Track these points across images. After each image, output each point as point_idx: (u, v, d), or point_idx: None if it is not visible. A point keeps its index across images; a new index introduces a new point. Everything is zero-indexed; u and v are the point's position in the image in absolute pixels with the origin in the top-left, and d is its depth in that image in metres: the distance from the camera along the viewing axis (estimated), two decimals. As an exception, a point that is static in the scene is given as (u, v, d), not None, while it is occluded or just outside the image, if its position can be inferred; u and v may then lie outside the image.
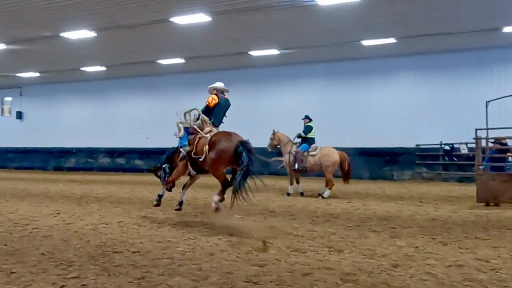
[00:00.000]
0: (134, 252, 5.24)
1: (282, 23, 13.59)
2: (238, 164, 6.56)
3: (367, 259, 4.93)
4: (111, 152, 23.20)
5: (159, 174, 8.23)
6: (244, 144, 6.61)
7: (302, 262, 4.78)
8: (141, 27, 13.74)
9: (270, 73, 19.62)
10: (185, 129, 7.52)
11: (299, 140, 11.74)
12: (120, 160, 22.95)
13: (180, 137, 7.52)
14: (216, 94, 7.73)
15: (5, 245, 5.58)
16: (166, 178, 7.91)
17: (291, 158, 11.46)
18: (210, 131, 7.35)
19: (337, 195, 11.53)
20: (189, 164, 7.39)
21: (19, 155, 25.76)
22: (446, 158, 15.80)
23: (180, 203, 8.03)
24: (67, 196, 11.44)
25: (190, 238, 6.05)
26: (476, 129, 9.80)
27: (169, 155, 8.06)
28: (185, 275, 4.29)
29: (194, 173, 7.54)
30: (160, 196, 7.89)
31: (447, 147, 15.76)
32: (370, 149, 17.41)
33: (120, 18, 13.02)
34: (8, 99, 26.79)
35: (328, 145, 11.62)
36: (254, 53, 17.33)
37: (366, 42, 15.40)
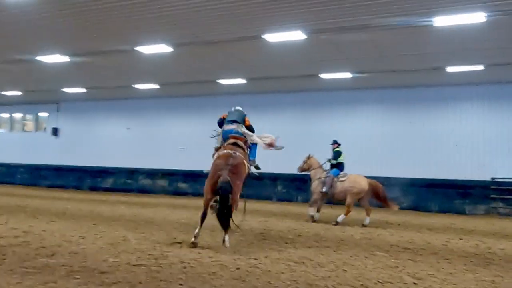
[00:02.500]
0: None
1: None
2: None
3: None
4: (152, 174, 22.28)
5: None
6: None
7: None
8: (231, 43, 13.06)
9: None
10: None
11: (329, 165, 11.95)
12: (162, 182, 22.02)
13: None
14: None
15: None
16: None
17: (321, 184, 11.53)
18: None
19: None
20: None
21: (52, 172, 24.87)
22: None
23: None
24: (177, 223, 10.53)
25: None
26: None
27: None
28: None
29: None
30: None
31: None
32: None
33: (201, 33, 12.34)
34: (43, 114, 26.09)
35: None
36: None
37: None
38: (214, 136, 8.51)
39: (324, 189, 11.41)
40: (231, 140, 7.81)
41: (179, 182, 21.63)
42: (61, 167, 24.56)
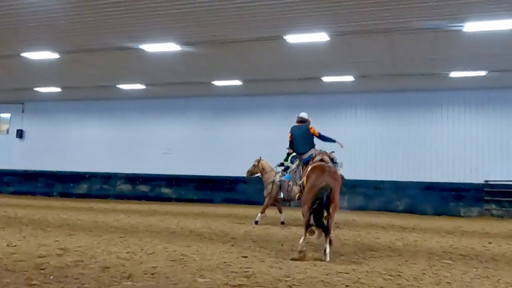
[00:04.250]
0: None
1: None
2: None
3: None
4: (132, 178, 21.15)
5: None
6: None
7: None
8: (226, 44, 12.51)
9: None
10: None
11: (281, 169, 11.89)
12: (143, 188, 20.94)
13: None
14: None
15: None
16: None
17: (275, 187, 11.52)
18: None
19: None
20: None
21: (17, 178, 23.01)
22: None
23: None
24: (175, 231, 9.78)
25: None
26: None
27: None
28: None
29: None
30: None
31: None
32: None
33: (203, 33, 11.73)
34: (5, 115, 24.12)
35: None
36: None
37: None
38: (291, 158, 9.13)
39: (281, 195, 11.51)
40: (318, 157, 7.77)
41: (162, 187, 20.69)
42: (27, 172, 22.79)
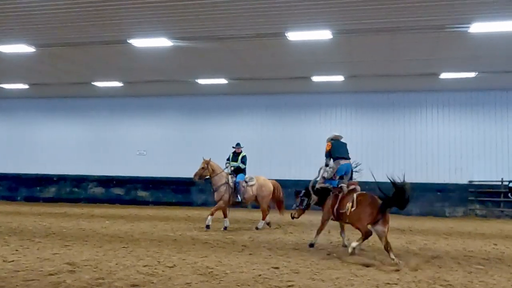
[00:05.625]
0: None
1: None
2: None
3: None
4: (105, 181, 20.04)
5: (298, 200, 8.81)
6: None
7: None
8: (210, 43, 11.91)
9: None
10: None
11: (229, 170, 11.23)
12: (118, 191, 19.88)
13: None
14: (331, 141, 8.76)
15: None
16: (298, 208, 8.80)
17: (228, 190, 10.81)
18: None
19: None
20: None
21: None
22: (510, 195, 15.66)
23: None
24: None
25: None
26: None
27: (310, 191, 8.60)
28: None
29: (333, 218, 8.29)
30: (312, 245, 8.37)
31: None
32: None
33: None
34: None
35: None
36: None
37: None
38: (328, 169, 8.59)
39: (238, 199, 10.91)
40: (352, 187, 8.29)
41: (138, 190, 19.71)
42: (-14, 174, 21.15)
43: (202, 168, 10.92)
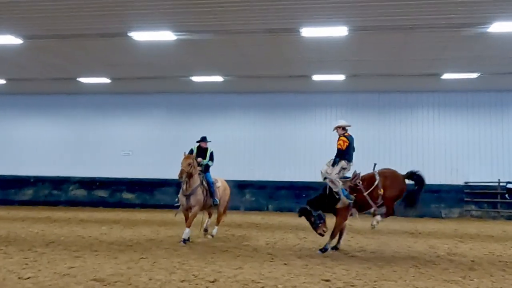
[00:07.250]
0: None
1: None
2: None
3: None
4: (88, 183, 18.98)
5: (312, 220, 8.25)
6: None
7: None
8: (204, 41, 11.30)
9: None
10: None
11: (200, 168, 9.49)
12: (101, 193, 18.87)
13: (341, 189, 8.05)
14: (344, 135, 8.40)
15: None
16: (320, 224, 8.16)
17: (204, 191, 9.29)
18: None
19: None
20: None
21: None
22: (508, 196, 15.71)
23: None
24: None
25: None
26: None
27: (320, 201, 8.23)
28: None
29: (357, 213, 8.38)
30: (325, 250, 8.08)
31: (510, 186, 15.72)
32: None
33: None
34: None
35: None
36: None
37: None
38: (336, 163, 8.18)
39: (216, 201, 9.65)
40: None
41: (123, 192, 18.77)
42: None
43: (189, 164, 9.04)
